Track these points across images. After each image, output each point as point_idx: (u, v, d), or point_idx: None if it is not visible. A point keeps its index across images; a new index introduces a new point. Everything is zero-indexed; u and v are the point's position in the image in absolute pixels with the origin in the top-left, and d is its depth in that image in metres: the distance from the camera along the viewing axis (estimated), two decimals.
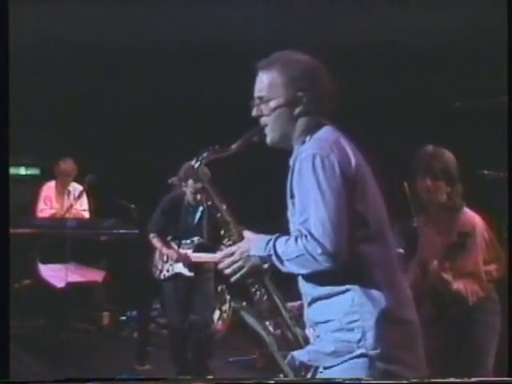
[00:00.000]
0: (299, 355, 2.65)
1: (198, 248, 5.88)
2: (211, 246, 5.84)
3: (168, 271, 5.90)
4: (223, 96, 7.94)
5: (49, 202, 7.70)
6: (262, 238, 2.64)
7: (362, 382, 2.60)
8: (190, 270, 5.84)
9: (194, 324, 5.84)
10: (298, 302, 2.80)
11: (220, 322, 2.90)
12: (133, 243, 6.80)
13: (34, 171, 9.21)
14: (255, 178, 7.70)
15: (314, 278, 2.56)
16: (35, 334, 6.77)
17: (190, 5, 6.56)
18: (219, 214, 2.82)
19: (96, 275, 6.76)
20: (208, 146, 2.83)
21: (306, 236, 2.47)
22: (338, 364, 2.54)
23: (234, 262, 2.68)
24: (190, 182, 5.79)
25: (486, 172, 3.96)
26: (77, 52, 7.48)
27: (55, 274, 6.55)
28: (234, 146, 2.77)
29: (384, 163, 2.86)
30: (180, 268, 5.86)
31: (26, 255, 6.53)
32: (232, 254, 2.69)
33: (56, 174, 7.70)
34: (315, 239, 2.45)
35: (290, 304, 2.81)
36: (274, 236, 2.60)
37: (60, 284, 6.47)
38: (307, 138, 2.65)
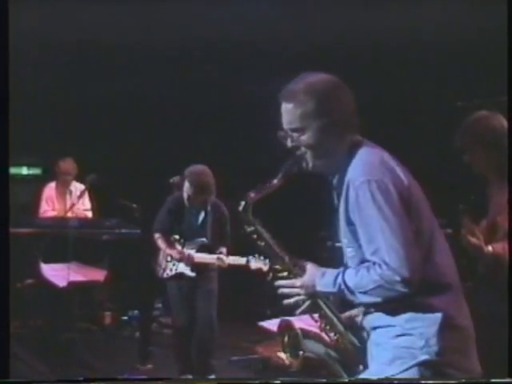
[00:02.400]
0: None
1: (202, 248, 5.90)
2: (215, 246, 5.92)
3: (171, 270, 5.92)
4: (224, 96, 7.94)
5: (51, 203, 7.71)
6: (328, 273, 2.64)
7: (362, 382, 2.60)
8: (192, 271, 5.86)
9: (197, 322, 5.86)
10: (350, 313, 2.81)
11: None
12: (135, 243, 6.80)
13: (36, 171, 9.21)
14: (297, 206, 7.65)
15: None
16: (37, 333, 6.76)
17: (191, 4, 6.56)
18: (274, 253, 2.80)
19: (98, 275, 6.74)
20: (251, 189, 2.78)
21: (380, 265, 2.47)
22: (402, 372, 2.54)
23: (297, 295, 2.70)
24: (187, 184, 5.83)
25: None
26: (77, 51, 7.48)
27: (57, 274, 6.54)
28: (275, 181, 2.74)
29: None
30: (183, 268, 5.88)
31: (28, 255, 6.53)
32: (293, 286, 2.70)
33: (56, 173, 7.71)
34: (391, 268, 2.45)
35: (342, 315, 2.80)
36: (341, 270, 2.61)
37: (62, 283, 6.46)
38: (351, 160, 2.64)
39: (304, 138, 2.67)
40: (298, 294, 2.70)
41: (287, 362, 2.85)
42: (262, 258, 5.65)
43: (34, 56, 6.77)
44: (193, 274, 5.85)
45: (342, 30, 6.84)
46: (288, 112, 2.69)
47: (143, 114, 8.38)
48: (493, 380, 2.69)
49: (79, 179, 7.59)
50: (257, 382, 2.80)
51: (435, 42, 6.85)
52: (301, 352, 2.79)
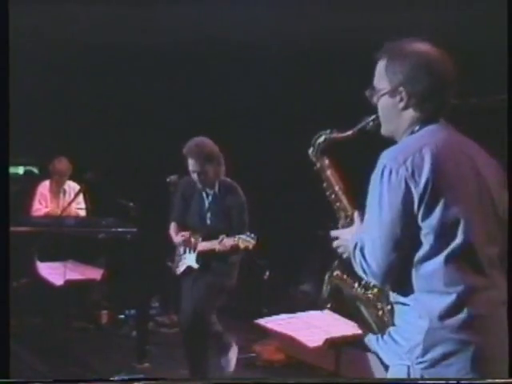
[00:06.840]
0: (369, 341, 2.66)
1: (210, 236, 5.28)
2: (223, 232, 5.23)
3: (179, 266, 5.50)
4: (222, 95, 7.95)
5: (43, 202, 7.72)
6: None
7: (362, 381, 2.60)
8: (197, 262, 5.35)
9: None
10: None
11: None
12: (131, 241, 6.80)
13: (32, 170, 9.20)
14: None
15: None
16: (33, 332, 6.76)
17: (191, 4, 6.56)
18: (333, 196, 2.79)
19: (95, 273, 6.73)
20: (323, 131, 2.81)
21: (360, 249, 2.48)
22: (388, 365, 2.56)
23: (336, 247, 2.69)
24: (190, 161, 5.29)
25: None
26: (74, 51, 7.49)
27: (54, 272, 6.53)
28: (349, 133, 2.75)
29: None
30: (190, 260, 5.40)
31: (24, 253, 6.51)
32: (336, 238, 2.70)
33: (51, 173, 7.71)
34: (363, 256, 2.46)
35: None
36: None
37: (58, 282, 6.44)
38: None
39: (376, 98, 2.62)
40: (337, 246, 2.69)
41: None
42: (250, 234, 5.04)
43: (33, 56, 6.77)
44: (197, 266, 5.31)
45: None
46: (379, 69, 2.62)
47: (140, 113, 8.38)
48: (493, 380, 2.64)
49: (75, 178, 7.59)
50: (256, 381, 2.77)
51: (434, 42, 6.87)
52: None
